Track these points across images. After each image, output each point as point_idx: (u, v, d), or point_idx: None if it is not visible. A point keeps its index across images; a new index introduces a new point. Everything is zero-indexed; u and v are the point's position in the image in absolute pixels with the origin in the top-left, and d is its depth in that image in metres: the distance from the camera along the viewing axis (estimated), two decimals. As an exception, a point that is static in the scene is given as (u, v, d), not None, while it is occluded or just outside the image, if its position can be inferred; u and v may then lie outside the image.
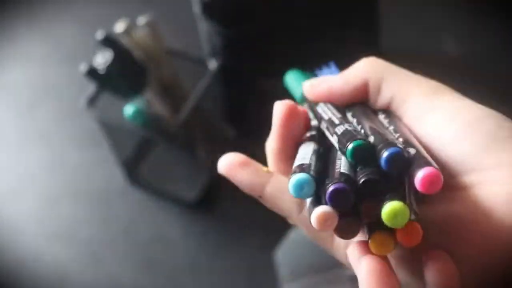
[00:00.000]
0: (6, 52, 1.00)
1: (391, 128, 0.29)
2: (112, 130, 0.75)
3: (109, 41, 0.66)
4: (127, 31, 0.68)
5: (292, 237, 0.53)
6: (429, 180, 0.24)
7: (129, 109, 0.69)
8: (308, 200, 0.26)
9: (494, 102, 0.92)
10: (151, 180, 0.82)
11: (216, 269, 0.74)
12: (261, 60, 0.71)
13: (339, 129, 0.27)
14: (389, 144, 0.25)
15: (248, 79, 0.74)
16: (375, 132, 0.27)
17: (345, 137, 0.26)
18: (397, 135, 0.28)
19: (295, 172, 0.26)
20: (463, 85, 0.94)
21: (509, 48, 0.90)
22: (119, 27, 0.68)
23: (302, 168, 0.26)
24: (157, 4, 1.02)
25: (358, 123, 0.29)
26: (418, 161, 0.25)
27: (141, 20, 0.69)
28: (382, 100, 0.30)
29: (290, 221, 0.31)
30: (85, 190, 0.83)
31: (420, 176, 0.24)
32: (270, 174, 0.31)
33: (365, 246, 0.25)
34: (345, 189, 0.25)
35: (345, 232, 0.25)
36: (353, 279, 0.32)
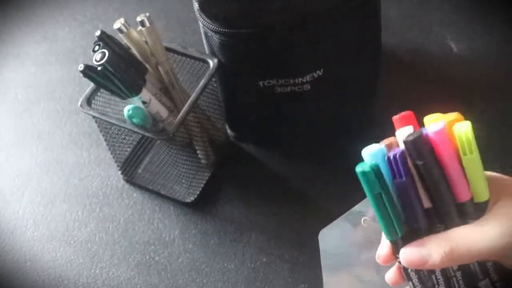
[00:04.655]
0: (3, 51, 0.99)
1: None
2: (110, 129, 0.74)
3: (107, 40, 0.66)
4: (125, 30, 0.68)
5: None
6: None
7: (127, 109, 0.68)
8: None
9: (495, 99, 0.90)
10: (149, 180, 0.82)
11: (214, 270, 0.74)
12: (259, 60, 0.70)
13: None
14: None
15: (247, 80, 0.73)
16: None
17: None
18: None
19: None
20: (464, 83, 0.93)
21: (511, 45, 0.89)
22: (117, 25, 0.67)
23: None
24: (156, 3, 1.01)
25: None
26: None
27: (140, 18, 0.68)
28: None
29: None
30: (82, 190, 0.82)
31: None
32: None
33: None
34: None
35: None
36: None
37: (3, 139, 0.89)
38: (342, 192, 0.78)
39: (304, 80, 0.71)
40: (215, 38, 0.69)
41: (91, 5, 1.03)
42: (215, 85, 0.76)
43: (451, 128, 0.39)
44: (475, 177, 0.39)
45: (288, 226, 0.77)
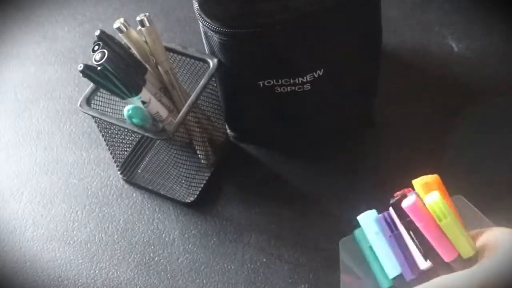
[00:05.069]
0: (3, 51, 0.99)
1: None
2: (109, 129, 0.74)
3: (107, 40, 0.66)
4: (125, 29, 0.68)
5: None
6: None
7: (127, 109, 0.68)
8: None
9: (495, 99, 0.90)
10: (149, 180, 0.81)
11: (214, 270, 0.74)
12: (259, 60, 0.70)
13: None
14: None
15: (247, 80, 0.73)
16: None
17: None
18: None
19: None
20: (464, 83, 0.93)
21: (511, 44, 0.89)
22: (117, 25, 0.67)
23: None
24: (156, 3, 1.01)
25: None
26: None
27: (139, 18, 0.68)
28: None
29: None
30: (82, 190, 0.82)
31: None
32: None
33: None
34: None
35: None
36: None
37: (3, 139, 0.89)
38: (342, 192, 0.78)
39: (305, 80, 0.71)
40: (215, 38, 0.69)
41: (91, 5, 1.03)
42: (215, 85, 0.76)
43: (429, 190, 0.45)
44: (456, 238, 0.43)
45: (288, 226, 0.76)
